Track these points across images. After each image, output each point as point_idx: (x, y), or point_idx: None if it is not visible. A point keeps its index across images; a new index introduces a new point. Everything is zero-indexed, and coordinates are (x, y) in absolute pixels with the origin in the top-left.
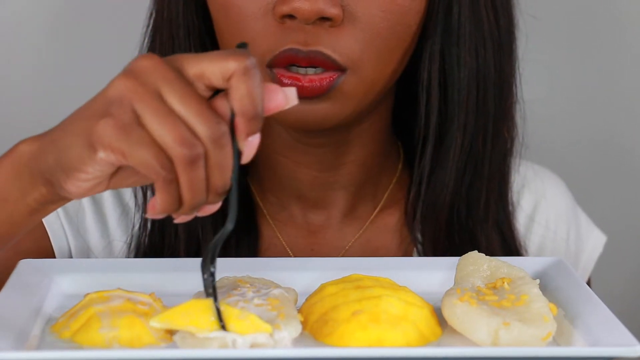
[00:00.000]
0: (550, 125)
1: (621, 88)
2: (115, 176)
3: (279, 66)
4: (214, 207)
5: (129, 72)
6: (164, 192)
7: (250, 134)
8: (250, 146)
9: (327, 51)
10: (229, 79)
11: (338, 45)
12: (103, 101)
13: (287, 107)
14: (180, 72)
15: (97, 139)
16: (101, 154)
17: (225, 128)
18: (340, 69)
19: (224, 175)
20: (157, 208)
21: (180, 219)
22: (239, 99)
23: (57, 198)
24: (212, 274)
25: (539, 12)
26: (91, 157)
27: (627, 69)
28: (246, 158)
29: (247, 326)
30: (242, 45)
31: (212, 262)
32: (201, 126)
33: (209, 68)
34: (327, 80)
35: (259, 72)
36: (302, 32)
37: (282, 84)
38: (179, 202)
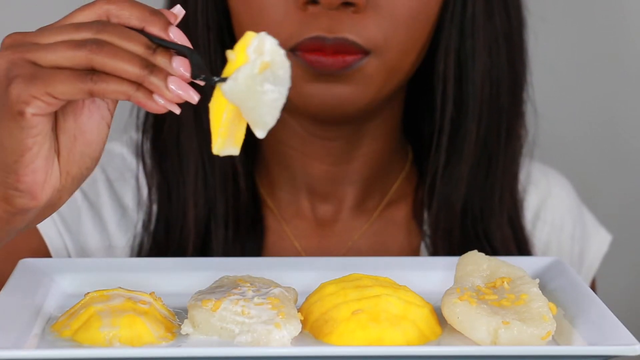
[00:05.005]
0: (558, 124)
1: (628, 89)
2: (61, 154)
3: (305, 53)
4: (181, 70)
5: (3, 49)
6: (109, 90)
7: (166, 26)
8: (177, 34)
9: (352, 37)
10: (107, 17)
11: (362, 30)
12: (1, 80)
13: (177, 20)
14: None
15: (16, 100)
16: (29, 110)
17: (100, 20)
18: (365, 53)
19: (133, 38)
20: (132, 98)
21: (172, 96)
22: (129, 17)
23: (17, 209)
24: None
25: (546, 13)
26: (22, 124)
27: (635, 69)
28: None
29: (240, 56)
30: None
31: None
32: (84, 32)
33: (79, 17)
34: (352, 57)
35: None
36: (325, 17)
37: (309, 62)
38: (133, 85)
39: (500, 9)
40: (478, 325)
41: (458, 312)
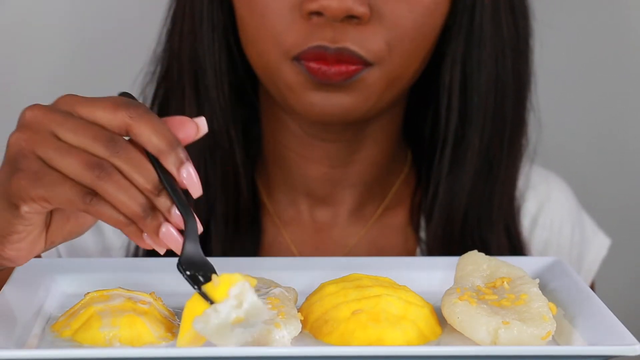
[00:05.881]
0: (558, 129)
1: (627, 93)
2: (51, 229)
3: (307, 61)
4: (177, 220)
5: (20, 127)
6: (104, 215)
7: (179, 164)
8: (188, 176)
9: (354, 47)
10: (127, 129)
11: (365, 41)
12: (7, 162)
13: (199, 135)
14: (71, 113)
15: (14, 195)
16: (24, 208)
17: (120, 138)
18: (367, 64)
19: (144, 172)
20: (124, 230)
21: (160, 241)
22: (147, 142)
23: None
24: (188, 275)
25: (551, 20)
26: (16, 214)
27: (635, 74)
28: (193, 190)
29: (223, 287)
30: (126, 94)
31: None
32: (99, 147)
33: (101, 116)
34: (354, 67)
35: (152, 112)
36: (329, 28)
37: (311, 71)
38: (128, 219)
39: (509, 19)
40: (478, 325)
41: (458, 312)
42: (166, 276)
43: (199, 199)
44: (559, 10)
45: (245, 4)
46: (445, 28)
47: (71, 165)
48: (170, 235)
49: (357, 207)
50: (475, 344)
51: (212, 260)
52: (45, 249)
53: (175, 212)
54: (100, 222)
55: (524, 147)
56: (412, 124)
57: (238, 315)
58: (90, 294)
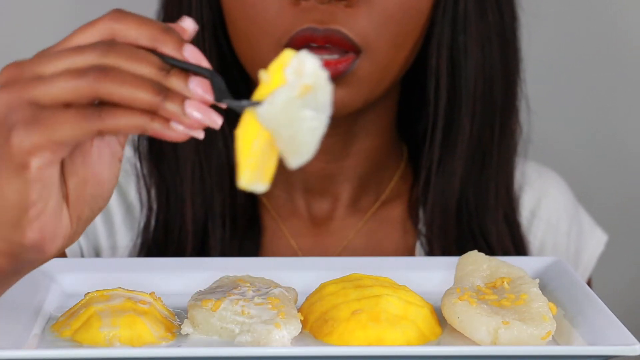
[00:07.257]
0: (552, 124)
1: (623, 87)
2: (70, 199)
3: (296, 48)
4: (199, 89)
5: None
6: (121, 125)
7: (179, 45)
8: (192, 53)
9: (344, 30)
10: (113, 35)
11: (354, 24)
12: (0, 126)
13: (188, 38)
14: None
15: (18, 152)
16: (34, 162)
17: (106, 40)
18: (356, 49)
19: (143, 57)
20: (148, 130)
21: (191, 120)
22: (138, 36)
23: (25, 264)
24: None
25: (540, 10)
26: (27, 178)
27: (630, 68)
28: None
29: (276, 77)
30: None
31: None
32: (87, 55)
33: (79, 37)
34: (344, 63)
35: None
36: (317, 11)
37: None
38: (147, 116)
39: (493, 6)
40: (478, 325)
41: (458, 312)
42: (166, 276)
43: (195, 199)
44: (546, 1)
45: None
46: (433, 14)
47: (63, 86)
48: (199, 108)
49: (353, 201)
50: (475, 344)
51: (212, 261)
52: (74, 229)
53: (194, 83)
54: (110, 216)
55: (518, 135)
56: (407, 121)
57: (304, 83)
58: (90, 294)
